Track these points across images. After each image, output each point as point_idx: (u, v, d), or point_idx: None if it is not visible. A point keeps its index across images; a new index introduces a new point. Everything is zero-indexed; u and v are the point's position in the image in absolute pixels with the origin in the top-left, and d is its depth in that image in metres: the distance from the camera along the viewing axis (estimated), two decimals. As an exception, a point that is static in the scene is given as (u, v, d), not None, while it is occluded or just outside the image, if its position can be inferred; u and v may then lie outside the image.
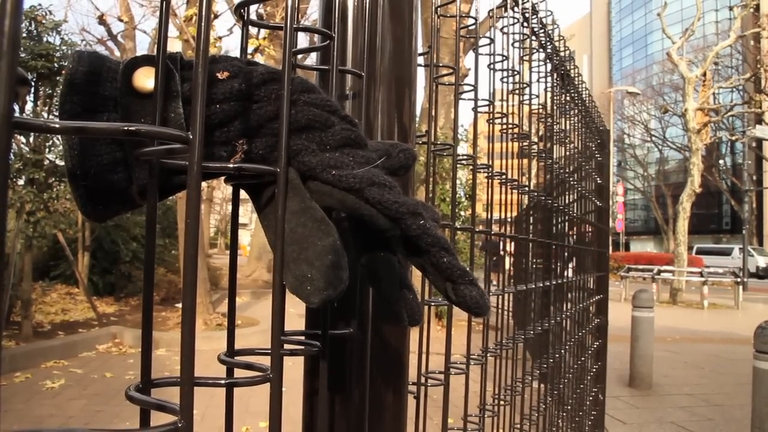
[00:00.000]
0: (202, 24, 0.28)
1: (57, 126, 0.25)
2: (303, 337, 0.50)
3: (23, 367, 4.87)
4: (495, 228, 1.17)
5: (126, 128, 0.27)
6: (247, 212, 19.65)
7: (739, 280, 13.00)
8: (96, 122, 0.33)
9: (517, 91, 1.20)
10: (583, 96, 2.14)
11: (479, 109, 1.00)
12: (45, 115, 6.09)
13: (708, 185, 27.19)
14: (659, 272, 13.94)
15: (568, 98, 1.84)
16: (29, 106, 6.03)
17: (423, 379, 0.89)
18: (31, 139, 6.02)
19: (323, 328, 0.46)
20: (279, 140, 0.36)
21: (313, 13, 12.18)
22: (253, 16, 0.47)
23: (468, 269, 0.39)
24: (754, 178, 29.95)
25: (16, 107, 0.19)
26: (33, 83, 5.88)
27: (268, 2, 9.67)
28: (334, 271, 0.35)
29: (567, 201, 1.99)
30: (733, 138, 23.83)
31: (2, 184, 0.18)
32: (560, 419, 1.75)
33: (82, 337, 5.99)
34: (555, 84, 1.59)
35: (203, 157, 0.29)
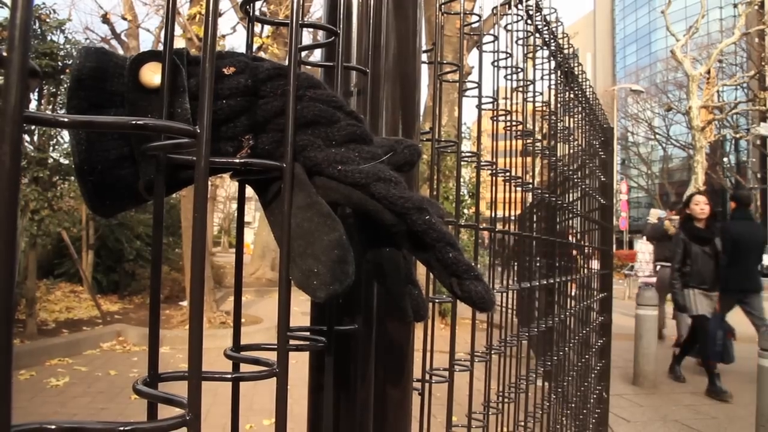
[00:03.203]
0: (210, 18, 0.28)
1: (66, 120, 0.25)
2: (308, 333, 0.50)
3: (28, 364, 4.89)
4: (499, 226, 1.17)
5: (134, 122, 0.27)
6: (251, 210, 19.67)
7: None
8: (104, 117, 0.33)
9: (520, 89, 1.20)
10: (587, 93, 2.14)
11: (483, 107, 1.00)
12: (49, 113, 6.10)
13: (712, 183, 27.09)
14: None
15: (571, 96, 1.84)
16: (33, 105, 6.05)
17: (427, 377, 0.89)
18: (35, 138, 6.04)
19: (329, 324, 0.46)
20: (285, 136, 0.36)
21: (316, 11, 12.20)
22: (257, 14, 0.47)
23: (473, 265, 0.39)
24: (759, 176, 29.83)
25: None
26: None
27: (271, 0, 9.68)
28: (341, 265, 0.35)
29: (571, 199, 1.99)
30: (738, 136, 23.78)
31: (15, 178, 0.18)
32: (564, 417, 1.75)
33: (87, 335, 6.01)
34: (559, 81, 1.59)
35: (210, 152, 0.30)
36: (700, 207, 4.93)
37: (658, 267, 6.89)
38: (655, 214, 7.82)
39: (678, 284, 4.97)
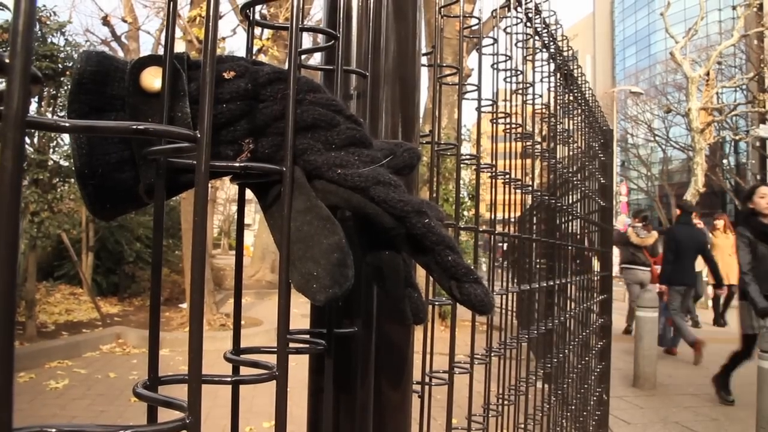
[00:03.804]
0: (210, 24, 0.28)
1: (67, 125, 0.25)
2: (308, 336, 0.50)
3: (27, 367, 4.88)
4: (498, 228, 1.17)
5: (135, 127, 0.27)
6: (251, 213, 19.67)
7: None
8: (105, 121, 0.33)
9: (520, 91, 1.20)
10: (586, 96, 2.14)
11: (482, 109, 1.00)
12: (49, 115, 6.10)
13: (712, 185, 27.08)
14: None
15: (571, 98, 1.84)
16: (33, 107, 6.05)
17: (427, 379, 0.89)
18: (35, 140, 6.04)
19: (328, 327, 0.46)
20: (285, 139, 0.36)
21: (316, 14, 12.20)
22: (257, 17, 0.48)
23: (472, 268, 0.39)
24: (758, 177, 29.82)
25: None
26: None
27: (272, 3, 9.68)
28: (340, 269, 0.35)
29: (570, 201, 1.99)
30: (737, 137, 23.80)
31: (17, 182, 0.18)
32: (564, 419, 1.75)
33: (86, 337, 6.00)
34: (558, 84, 1.59)
35: (210, 156, 0.30)
36: (767, 200, 4.17)
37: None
38: (621, 221, 8.89)
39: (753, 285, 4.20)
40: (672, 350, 6.48)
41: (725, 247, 8.43)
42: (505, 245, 1.19)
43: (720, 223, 8.87)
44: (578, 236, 2.15)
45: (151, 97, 0.35)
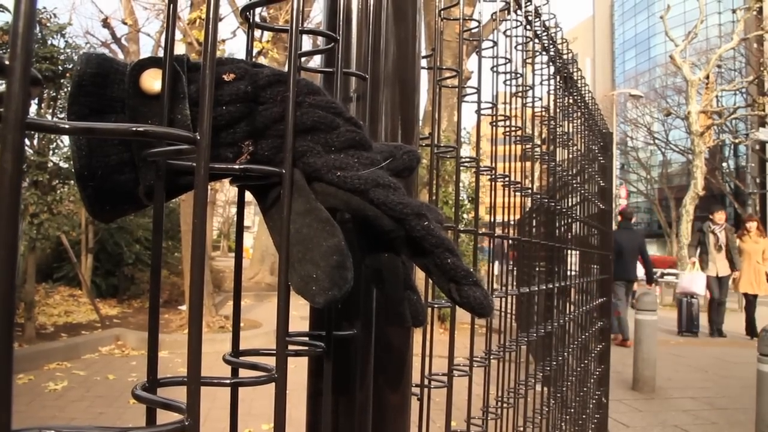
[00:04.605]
0: (210, 26, 0.28)
1: (67, 127, 0.25)
2: (307, 338, 0.50)
3: (26, 368, 4.87)
4: (498, 230, 1.17)
5: (135, 129, 0.27)
6: (250, 215, 19.67)
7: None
8: (105, 123, 0.33)
9: (519, 94, 1.21)
10: (586, 98, 2.14)
11: (482, 112, 1.00)
12: (49, 117, 6.10)
13: (711, 188, 27.10)
14: (662, 275, 13.90)
15: (570, 101, 1.84)
16: (33, 108, 6.05)
17: (426, 381, 0.89)
18: (35, 142, 6.04)
19: (327, 329, 0.46)
20: (285, 142, 0.36)
21: (316, 16, 12.22)
22: (257, 19, 0.48)
23: (472, 270, 0.39)
24: (758, 180, 29.86)
25: None
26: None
27: (271, 5, 9.68)
28: (339, 271, 0.35)
29: (570, 204, 1.99)
30: (737, 141, 23.83)
31: (17, 184, 0.18)
32: (563, 422, 1.75)
33: (85, 339, 5.99)
34: (558, 87, 1.59)
35: (210, 158, 0.30)
36: None
37: None
38: None
39: None
40: (625, 342, 6.98)
41: (754, 252, 7.96)
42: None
43: (753, 225, 8.19)
44: (581, 238, 2.15)
45: (151, 99, 0.35)
